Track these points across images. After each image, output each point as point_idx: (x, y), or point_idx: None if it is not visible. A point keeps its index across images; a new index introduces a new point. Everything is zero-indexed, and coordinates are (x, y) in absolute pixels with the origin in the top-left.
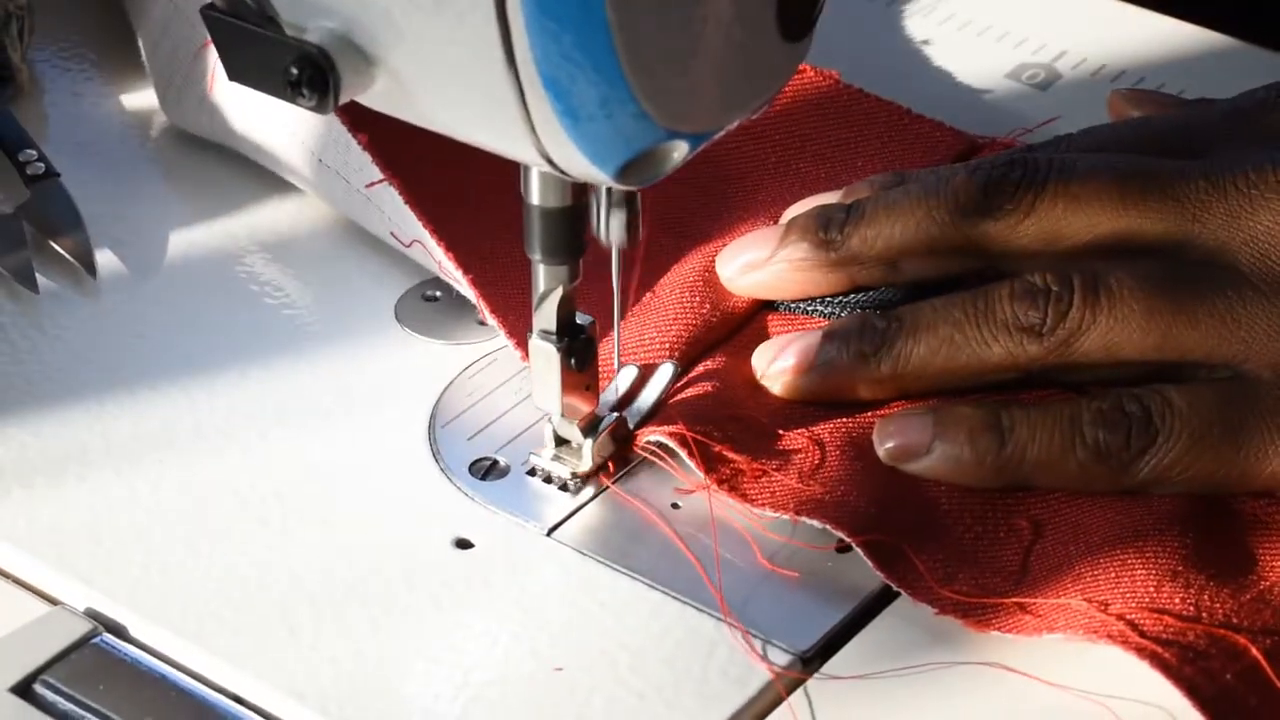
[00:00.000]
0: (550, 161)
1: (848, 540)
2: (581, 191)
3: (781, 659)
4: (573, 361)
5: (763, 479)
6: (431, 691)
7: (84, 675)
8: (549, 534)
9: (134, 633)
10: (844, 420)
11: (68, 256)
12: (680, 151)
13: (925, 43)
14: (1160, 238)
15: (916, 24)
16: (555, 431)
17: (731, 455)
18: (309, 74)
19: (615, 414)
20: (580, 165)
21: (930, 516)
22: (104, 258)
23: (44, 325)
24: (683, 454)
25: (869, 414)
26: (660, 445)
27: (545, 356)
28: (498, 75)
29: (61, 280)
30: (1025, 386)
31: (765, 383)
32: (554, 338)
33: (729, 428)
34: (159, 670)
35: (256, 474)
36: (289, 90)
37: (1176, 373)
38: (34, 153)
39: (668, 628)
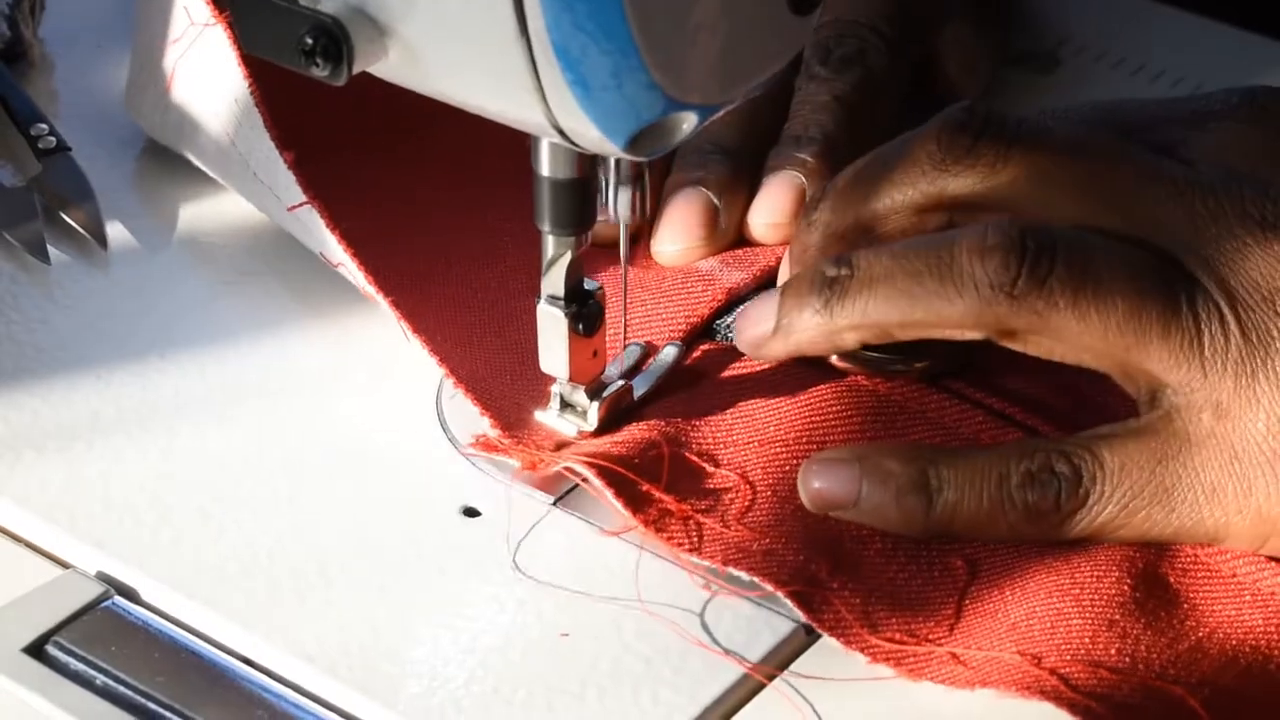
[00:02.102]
0: (560, 131)
1: (774, 591)
2: (590, 164)
3: (784, 626)
4: (580, 327)
5: (689, 521)
6: (439, 655)
7: (95, 637)
8: (555, 503)
9: (145, 596)
10: (779, 453)
11: (79, 228)
12: (689, 123)
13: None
14: (1126, 227)
15: None
16: (562, 396)
17: (659, 495)
18: (323, 44)
19: (622, 381)
20: (590, 135)
21: (862, 554)
22: (114, 230)
23: (56, 296)
24: (609, 493)
25: (805, 446)
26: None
27: (553, 321)
28: (510, 45)
29: (73, 252)
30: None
31: (744, 350)
32: (562, 303)
33: (657, 466)
34: (169, 633)
35: (266, 441)
36: (303, 59)
37: (1126, 373)
38: (45, 126)
39: (674, 594)
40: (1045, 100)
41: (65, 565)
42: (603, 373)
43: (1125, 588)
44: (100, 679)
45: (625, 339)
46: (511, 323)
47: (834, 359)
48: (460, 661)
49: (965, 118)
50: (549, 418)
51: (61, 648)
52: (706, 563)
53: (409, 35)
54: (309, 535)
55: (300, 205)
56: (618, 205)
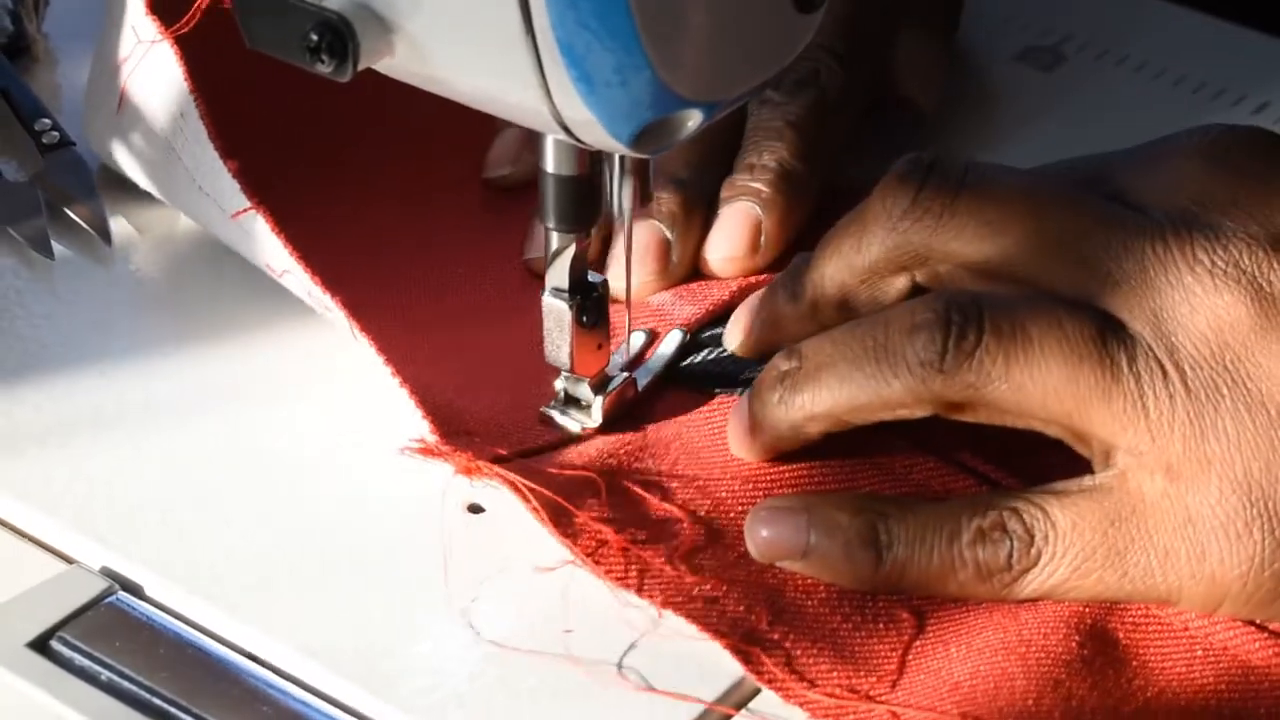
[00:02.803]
0: (565, 128)
1: (714, 641)
2: (595, 160)
3: None
4: (584, 318)
5: (628, 553)
6: (442, 652)
7: (100, 632)
8: None
9: (149, 591)
10: (725, 495)
11: (82, 224)
12: (694, 120)
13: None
14: (1071, 285)
15: None
16: (566, 390)
17: (596, 525)
18: (328, 40)
19: (625, 374)
20: (595, 132)
21: (805, 603)
22: (118, 225)
23: (60, 291)
24: (545, 523)
25: (752, 490)
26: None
27: (557, 314)
28: (514, 42)
29: (76, 247)
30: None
31: (736, 452)
32: (566, 295)
33: (595, 494)
34: (173, 628)
35: (271, 436)
36: (308, 56)
37: (1077, 438)
38: (49, 121)
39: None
40: (1050, 97)
41: (69, 561)
42: (607, 365)
43: (1073, 645)
44: (104, 674)
45: (629, 329)
46: (460, 329)
47: None
48: (462, 657)
49: (908, 170)
50: (554, 414)
51: (66, 643)
52: (645, 602)
53: (414, 31)
54: (313, 530)
55: (244, 211)
56: (622, 199)
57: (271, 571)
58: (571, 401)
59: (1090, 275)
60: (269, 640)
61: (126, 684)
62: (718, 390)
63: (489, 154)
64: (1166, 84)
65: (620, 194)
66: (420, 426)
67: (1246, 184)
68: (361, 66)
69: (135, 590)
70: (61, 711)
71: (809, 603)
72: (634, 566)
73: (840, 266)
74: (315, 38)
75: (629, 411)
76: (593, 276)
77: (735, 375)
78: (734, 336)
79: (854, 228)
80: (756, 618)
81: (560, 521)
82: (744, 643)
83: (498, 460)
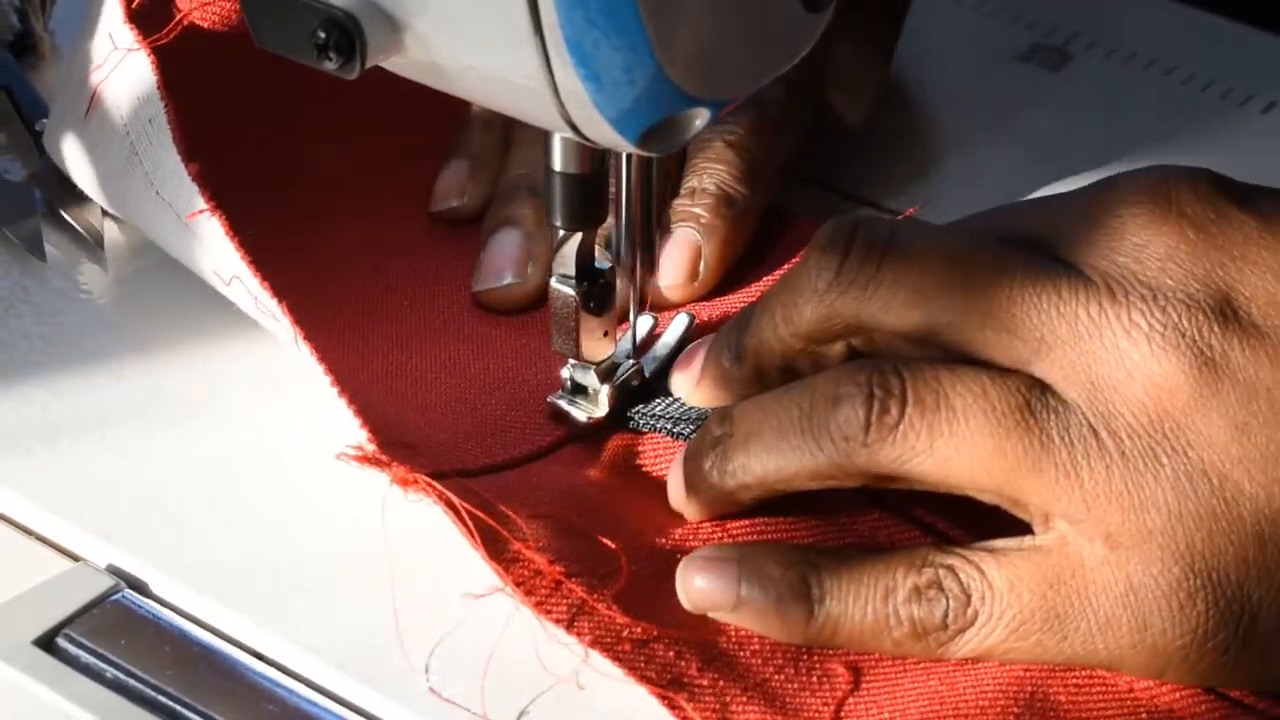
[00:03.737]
0: (573, 127)
1: (640, 686)
2: (602, 159)
3: None
4: (591, 305)
5: (561, 587)
6: (445, 647)
7: (105, 630)
8: None
9: (155, 589)
10: (663, 542)
11: (76, 226)
12: (701, 118)
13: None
14: (1004, 351)
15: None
16: (573, 379)
17: (529, 554)
18: (336, 38)
19: (632, 362)
20: (603, 131)
21: (738, 653)
22: (111, 228)
23: (66, 289)
24: (470, 543)
25: (690, 538)
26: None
27: (564, 301)
28: (523, 40)
29: (81, 244)
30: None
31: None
32: (573, 282)
33: (532, 524)
34: (179, 626)
35: (278, 434)
36: (316, 54)
37: (1014, 506)
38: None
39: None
40: (1056, 96)
41: (75, 558)
42: (613, 354)
43: (1012, 711)
44: (110, 672)
45: (635, 316)
46: (407, 351)
47: None
48: (468, 655)
49: (832, 237)
50: (560, 403)
51: (72, 640)
52: (573, 639)
53: (422, 29)
54: (319, 529)
55: (200, 213)
56: (628, 194)
57: (277, 569)
58: (578, 390)
59: (1022, 340)
60: (274, 638)
61: (132, 681)
62: (666, 431)
63: (435, 187)
64: (1174, 83)
65: (627, 189)
66: (359, 434)
67: (1187, 236)
68: (369, 64)
69: (141, 588)
70: (67, 709)
71: (741, 653)
72: (565, 601)
73: (775, 335)
74: (323, 35)
75: (636, 398)
76: (599, 263)
77: (679, 418)
78: (682, 387)
79: (784, 296)
80: (686, 664)
81: (493, 548)
82: (671, 689)
83: (436, 476)
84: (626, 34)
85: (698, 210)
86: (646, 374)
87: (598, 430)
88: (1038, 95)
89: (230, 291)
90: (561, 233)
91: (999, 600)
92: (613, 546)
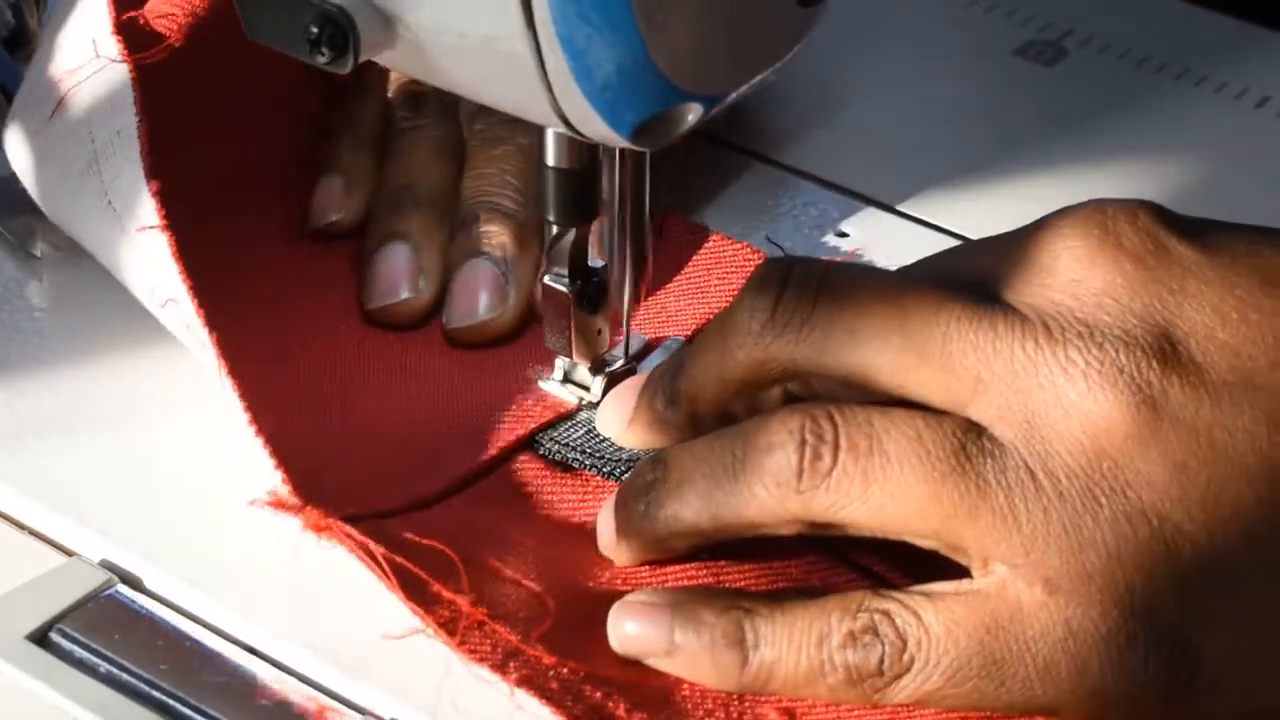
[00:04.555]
0: (566, 121)
1: None
2: (595, 155)
3: None
4: (584, 303)
5: (485, 627)
6: (438, 648)
7: (99, 625)
8: None
9: (148, 584)
10: (588, 585)
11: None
12: (694, 113)
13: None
14: (941, 392)
15: None
16: (565, 372)
17: (450, 595)
18: (329, 33)
19: (622, 360)
20: (595, 126)
21: (669, 696)
22: None
23: (59, 283)
24: (387, 587)
25: (618, 581)
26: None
27: (557, 299)
28: (516, 35)
29: (62, 244)
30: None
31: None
32: (566, 279)
33: (451, 566)
34: (172, 621)
35: None
36: (309, 49)
37: (953, 551)
38: None
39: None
40: (1051, 93)
41: (69, 553)
42: (606, 352)
43: None
44: (104, 666)
45: (628, 329)
46: (336, 378)
47: None
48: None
49: (765, 278)
50: (552, 386)
51: (65, 635)
52: (496, 677)
53: (414, 24)
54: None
55: (150, 228)
56: (620, 194)
57: (270, 564)
58: (570, 380)
59: (957, 380)
60: (268, 633)
61: (125, 676)
62: (588, 467)
63: (311, 203)
64: (1168, 78)
65: (619, 189)
66: (274, 478)
67: (1124, 268)
68: (362, 59)
69: (134, 583)
70: (61, 703)
71: (673, 696)
72: (489, 641)
73: (710, 380)
74: (316, 30)
75: None
76: (593, 262)
77: (608, 458)
78: (611, 427)
79: (718, 340)
80: (614, 704)
81: (412, 590)
82: None
83: (350, 520)
84: (619, 29)
85: (496, 229)
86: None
87: (522, 448)
88: (1032, 90)
89: (163, 314)
90: (555, 229)
91: (935, 646)
92: (538, 589)
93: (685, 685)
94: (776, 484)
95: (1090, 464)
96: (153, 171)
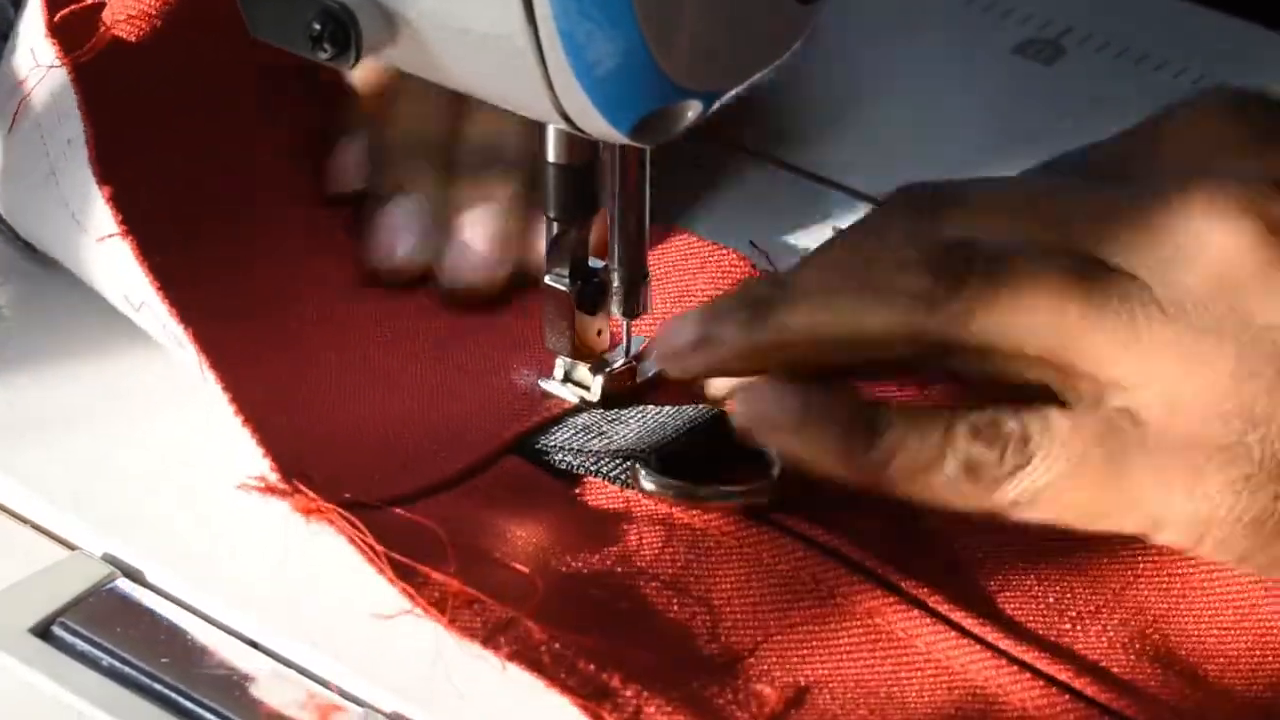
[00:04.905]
0: (566, 118)
1: (563, 696)
2: (595, 151)
3: None
4: (584, 304)
5: (475, 605)
6: (442, 638)
7: (101, 618)
8: None
9: (150, 578)
10: (575, 586)
11: None
12: (694, 110)
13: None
14: (1082, 248)
15: None
16: (566, 372)
17: (441, 577)
18: (331, 29)
19: (623, 360)
20: (595, 122)
21: (660, 668)
22: None
23: (58, 275)
24: (376, 569)
25: (608, 584)
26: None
27: (557, 299)
28: (516, 31)
29: None
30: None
31: (662, 364)
32: (566, 279)
33: (439, 548)
34: (174, 615)
35: None
36: (311, 45)
37: (1067, 382)
38: None
39: None
40: (1049, 91)
41: (72, 547)
42: (607, 352)
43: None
44: (106, 660)
45: (629, 329)
46: (316, 373)
47: (644, 483)
48: (466, 646)
49: (921, 196)
50: (552, 386)
51: (68, 629)
52: (488, 653)
53: (415, 21)
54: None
55: (110, 236)
56: (621, 191)
57: (272, 558)
58: (570, 380)
59: (1088, 226)
60: (269, 627)
61: (127, 669)
62: (576, 466)
63: (329, 167)
64: (1166, 77)
65: (619, 185)
66: (261, 464)
67: (1258, 135)
68: (364, 56)
69: (136, 577)
70: (63, 696)
71: (664, 668)
72: (479, 618)
73: (839, 324)
74: (318, 27)
75: (629, 397)
76: (593, 262)
77: (598, 454)
78: (665, 355)
79: (855, 291)
80: (609, 676)
81: (400, 572)
82: (594, 700)
83: (343, 504)
84: (620, 25)
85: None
86: (639, 379)
87: (508, 452)
88: (1030, 89)
89: (140, 317)
90: (555, 228)
91: (1058, 440)
92: (526, 571)
93: (681, 654)
94: (909, 294)
95: (1215, 292)
96: (104, 177)
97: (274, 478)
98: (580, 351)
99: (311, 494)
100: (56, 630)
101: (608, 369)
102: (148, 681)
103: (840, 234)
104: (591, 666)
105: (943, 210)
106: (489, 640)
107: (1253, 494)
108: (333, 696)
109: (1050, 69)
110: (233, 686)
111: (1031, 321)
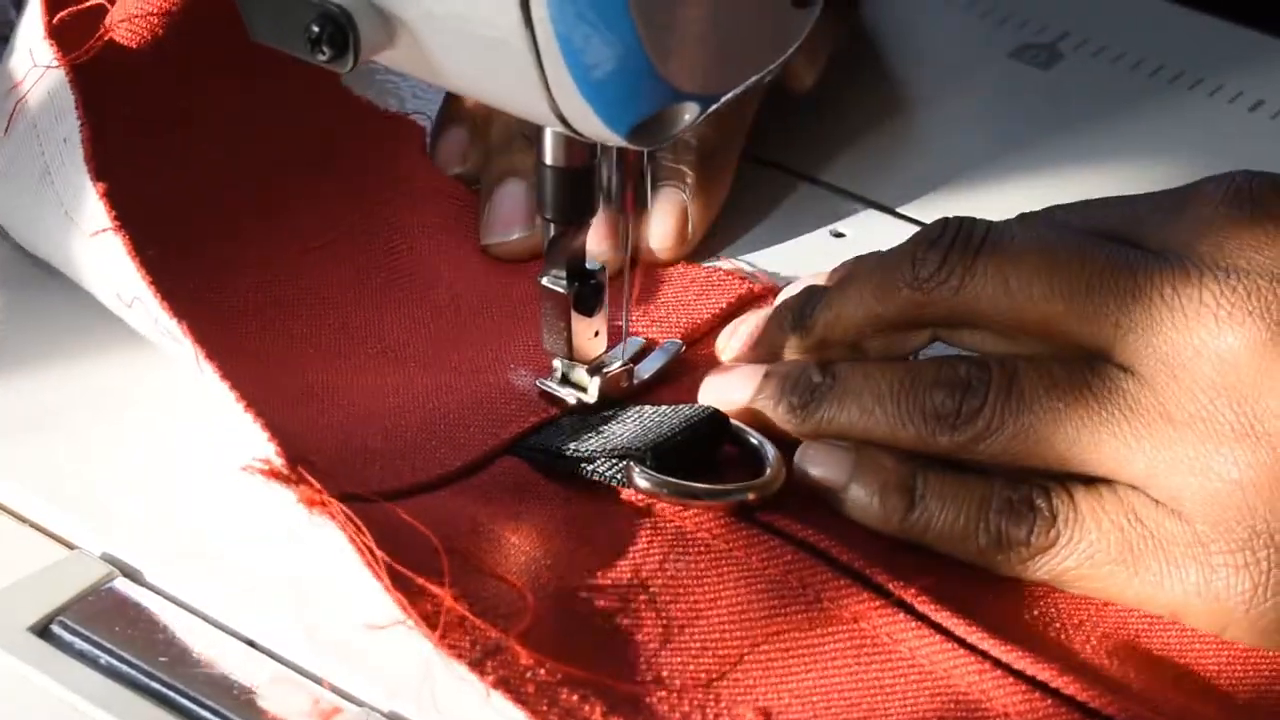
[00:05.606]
0: (564, 120)
1: None
2: (592, 153)
3: None
4: (581, 305)
5: (466, 623)
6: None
7: (100, 617)
8: None
9: (149, 577)
10: (566, 584)
11: None
12: (691, 113)
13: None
14: (1086, 338)
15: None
16: (563, 372)
17: (435, 590)
18: (329, 32)
19: (620, 362)
20: (592, 125)
21: (643, 700)
22: None
23: (57, 273)
24: (373, 576)
25: (601, 582)
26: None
27: (554, 300)
28: (514, 34)
29: None
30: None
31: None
32: (564, 281)
33: (435, 559)
34: (172, 614)
35: None
36: (309, 48)
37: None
38: None
39: None
40: (1046, 95)
41: (71, 546)
42: (604, 354)
43: None
44: (104, 659)
45: (626, 331)
46: (312, 368)
47: (638, 480)
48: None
49: (937, 235)
50: (550, 387)
51: (67, 627)
52: (474, 676)
53: (413, 24)
54: (314, 519)
55: (103, 231)
56: (618, 193)
57: (271, 559)
58: (568, 381)
59: (1099, 327)
60: (267, 627)
61: (126, 668)
62: (572, 464)
63: (436, 153)
64: (1162, 80)
65: (617, 187)
66: (265, 448)
67: (1267, 229)
68: (363, 59)
69: (135, 576)
70: (62, 695)
71: (647, 698)
72: (469, 638)
73: (860, 315)
74: (316, 29)
75: (626, 398)
76: (590, 264)
77: (591, 456)
78: (730, 350)
79: (878, 280)
80: (590, 708)
81: (397, 580)
82: None
83: (344, 498)
84: (616, 29)
85: (682, 168)
86: (635, 380)
87: (504, 453)
88: (1028, 93)
89: (131, 315)
90: (553, 231)
91: (1080, 525)
92: (517, 585)
93: (662, 689)
94: (935, 418)
95: (1218, 399)
96: (98, 174)
97: (279, 462)
98: (577, 352)
99: (316, 483)
100: (55, 629)
101: (604, 371)
102: (146, 680)
103: (886, 284)
104: (575, 697)
105: (967, 282)
106: (476, 665)
107: (1266, 598)
108: (331, 697)
109: (1047, 73)
110: (230, 685)
111: (1036, 443)
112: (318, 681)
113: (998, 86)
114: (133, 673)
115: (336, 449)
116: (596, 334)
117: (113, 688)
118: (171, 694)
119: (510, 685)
